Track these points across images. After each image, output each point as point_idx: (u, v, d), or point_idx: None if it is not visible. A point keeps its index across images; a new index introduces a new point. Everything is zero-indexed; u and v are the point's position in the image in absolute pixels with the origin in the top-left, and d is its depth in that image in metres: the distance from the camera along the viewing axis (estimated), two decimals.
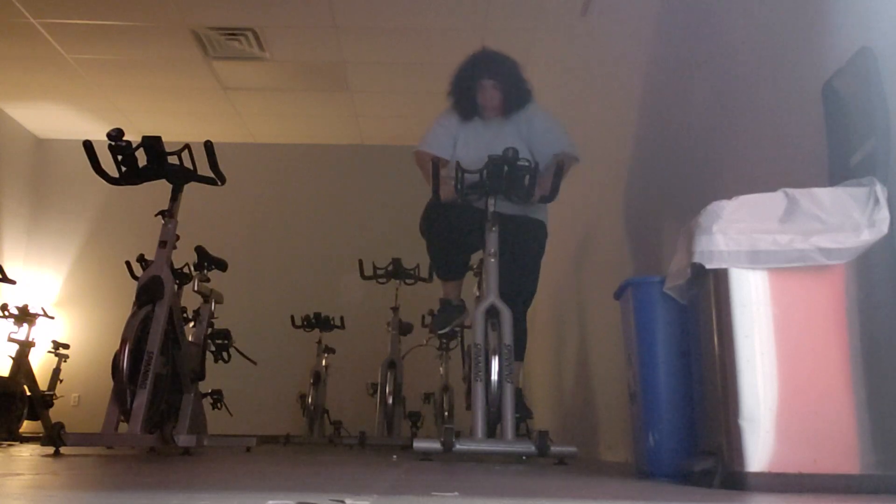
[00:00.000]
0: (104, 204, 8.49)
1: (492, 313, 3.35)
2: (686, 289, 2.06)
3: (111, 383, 3.32)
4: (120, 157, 3.59)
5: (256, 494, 1.46)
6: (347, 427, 6.75)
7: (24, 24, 6.28)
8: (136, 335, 3.34)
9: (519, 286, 3.70)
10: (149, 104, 7.98)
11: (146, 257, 4.26)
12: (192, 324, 4.50)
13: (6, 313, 6.80)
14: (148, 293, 3.53)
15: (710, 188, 2.69)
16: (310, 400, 6.64)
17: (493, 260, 3.41)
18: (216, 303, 4.55)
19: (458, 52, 3.98)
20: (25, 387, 6.61)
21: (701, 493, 1.68)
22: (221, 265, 4.47)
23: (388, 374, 6.17)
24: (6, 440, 5.91)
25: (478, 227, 3.54)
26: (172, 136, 4.43)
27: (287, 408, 7.54)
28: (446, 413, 6.71)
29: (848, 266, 1.70)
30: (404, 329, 6.45)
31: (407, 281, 6.50)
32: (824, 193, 1.73)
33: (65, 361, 7.53)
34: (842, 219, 1.69)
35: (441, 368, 6.97)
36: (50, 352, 7.46)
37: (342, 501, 1.28)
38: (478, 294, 4.83)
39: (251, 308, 7.71)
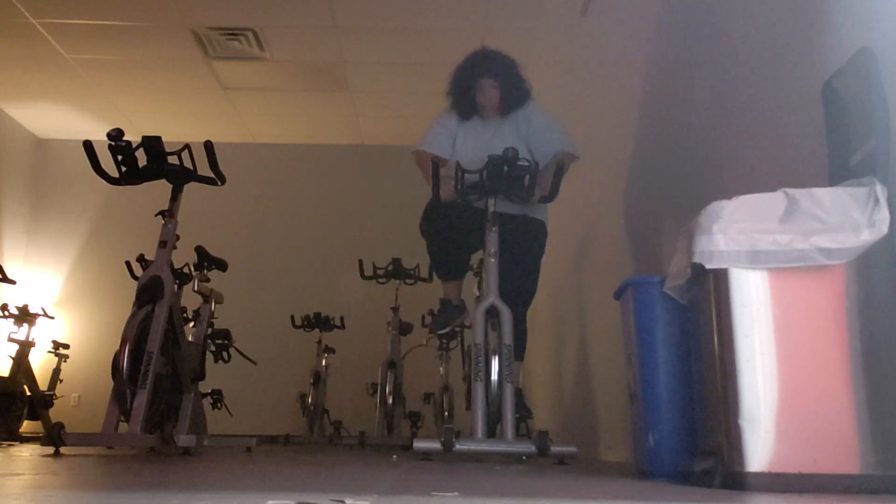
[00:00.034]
0: (104, 204, 8.49)
1: (492, 313, 3.35)
2: (686, 289, 2.06)
3: (111, 383, 3.32)
4: (120, 157, 3.59)
5: (256, 494, 1.46)
6: (347, 427, 6.75)
7: (24, 24, 6.28)
8: (136, 335, 3.34)
9: (519, 286, 3.70)
10: (149, 104, 7.98)
11: (146, 257, 4.26)
12: (192, 324, 4.50)
13: (6, 313, 6.80)
14: (148, 293, 3.53)
15: (710, 188, 2.69)
16: (310, 400, 6.64)
17: (493, 260, 3.41)
18: (216, 303, 4.55)
19: (458, 52, 3.98)
20: (25, 387, 6.61)
21: (701, 493, 1.68)
22: (221, 265, 4.47)
23: (388, 374, 6.17)
24: (6, 440, 5.91)
25: (478, 227, 3.54)
26: (172, 136, 4.43)
27: (287, 408, 7.54)
28: (446, 413, 6.71)
29: (848, 266, 1.70)
30: (404, 329, 6.46)
31: (407, 281, 6.50)
32: (824, 193, 1.73)
33: (65, 361, 7.53)
34: (842, 219, 1.69)
35: (441, 368, 6.97)
36: (50, 352, 7.46)
37: (342, 501, 1.28)
38: (478, 294, 4.83)
39: (251, 308, 7.72)
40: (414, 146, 3.95)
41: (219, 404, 5.61)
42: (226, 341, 5.07)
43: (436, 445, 3.07)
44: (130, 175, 3.66)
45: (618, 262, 3.92)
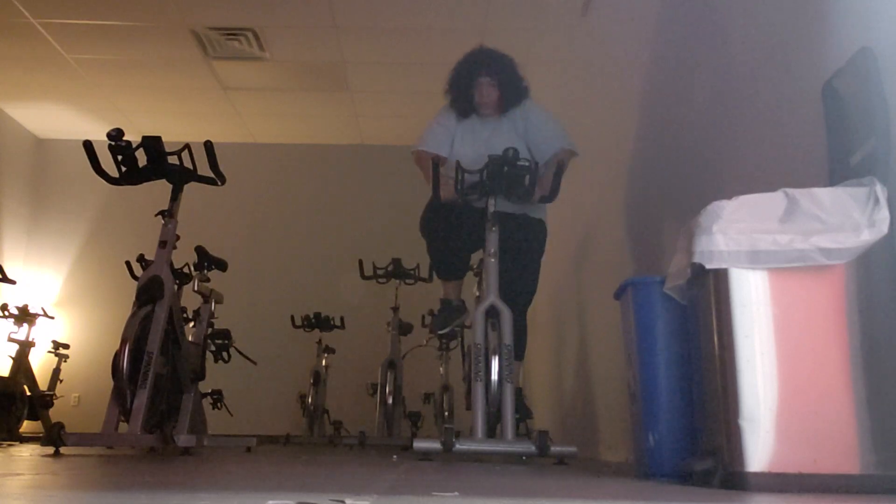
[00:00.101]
0: (104, 204, 8.48)
1: (492, 313, 3.35)
2: (686, 289, 2.07)
3: (111, 383, 3.32)
4: (120, 157, 3.59)
5: (256, 494, 1.46)
6: (347, 427, 6.75)
7: (24, 24, 6.28)
8: (136, 335, 3.34)
9: (519, 286, 3.70)
10: (149, 104, 7.98)
11: (146, 257, 4.26)
12: (192, 324, 4.50)
13: (6, 313, 6.80)
14: (148, 293, 3.53)
15: (710, 188, 2.69)
16: (310, 400, 6.63)
17: (493, 260, 3.41)
18: (216, 303, 4.55)
19: (458, 52, 3.98)
20: (25, 387, 6.61)
21: (701, 493, 1.68)
22: (221, 265, 4.47)
23: (388, 374, 6.17)
24: (6, 440, 5.91)
25: (478, 227, 3.54)
26: (172, 136, 4.42)
27: (287, 408, 7.54)
28: (446, 413, 6.71)
29: (848, 266, 1.70)
30: (404, 329, 6.45)
31: (407, 281, 6.50)
32: (824, 193, 1.73)
33: (65, 361, 7.53)
34: (842, 219, 1.69)
35: (441, 368, 6.97)
36: (50, 352, 7.46)
37: (342, 501, 1.28)
38: (478, 294, 4.83)
39: (251, 308, 7.71)
40: (414, 146, 3.95)
41: (219, 404, 5.61)
42: (226, 341, 5.07)
43: (436, 445, 3.07)
44: (130, 175, 3.66)
45: (618, 262, 3.92)
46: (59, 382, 7.35)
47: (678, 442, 2.17)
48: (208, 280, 4.46)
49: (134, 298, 3.55)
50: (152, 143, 3.60)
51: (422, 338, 6.65)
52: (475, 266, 4.75)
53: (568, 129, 3.92)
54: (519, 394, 3.54)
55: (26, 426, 6.58)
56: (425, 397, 7.23)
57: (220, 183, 3.69)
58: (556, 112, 4.17)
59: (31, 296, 7.79)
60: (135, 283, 3.67)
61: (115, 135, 3.50)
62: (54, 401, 7.03)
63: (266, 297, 8.19)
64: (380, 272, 6.51)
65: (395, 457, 3.58)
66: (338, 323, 6.93)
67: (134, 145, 3.59)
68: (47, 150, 8.76)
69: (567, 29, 5.44)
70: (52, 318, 7.39)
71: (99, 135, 4.02)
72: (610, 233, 4.20)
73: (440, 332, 4.43)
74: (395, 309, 6.48)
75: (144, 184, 3.76)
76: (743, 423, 1.68)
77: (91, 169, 3.63)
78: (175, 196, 3.77)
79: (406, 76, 7.18)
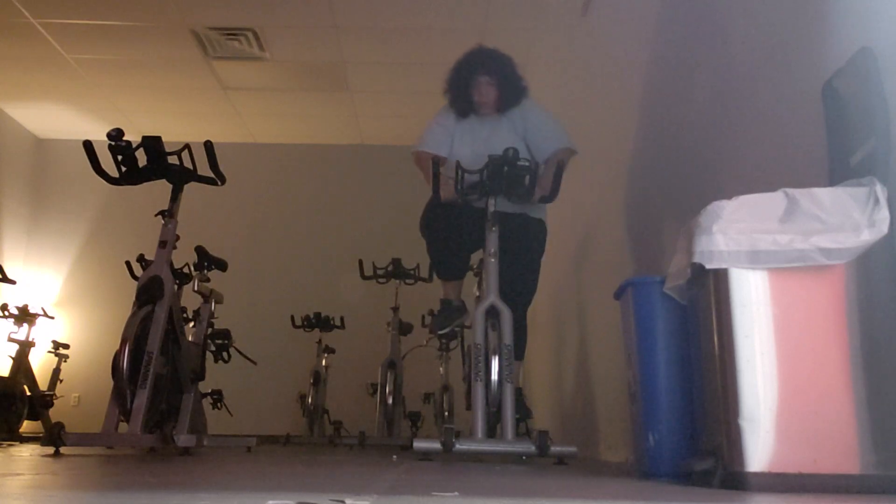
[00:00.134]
0: (104, 204, 8.48)
1: (492, 313, 3.35)
2: (686, 289, 2.07)
3: (111, 383, 3.32)
4: (120, 157, 3.59)
5: (256, 494, 1.46)
6: (347, 427, 6.75)
7: (24, 24, 6.28)
8: (136, 335, 3.34)
9: (519, 285, 3.70)
10: (149, 104, 7.98)
11: (146, 257, 4.26)
12: (192, 324, 4.50)
13: (6, 313, 6.80)
14: (148, 293, 3.53)
15: (710, 188, 2.69)
16: (310, 400, 6.63)
17: (493, 260, 3.41)
18: (216, 303, 4.55)
19: (458, 52, 3.98)
20: (25, 387, 6.61)
21: (701, 493, 1.68)
22: (221, 265, 4.47)
23: (388, 374, 6.17)
24: (6, 440, 5.91)
25: (478, 226, 3.54)
26: (172, 136, 4.43)
27: (287, 408, 7.54)
28: (446, 413, 6.71)
29: (848, 266, 1.70)
30: (404, 329, 6.45)
31: (407, 281, 6.50)
32: (824, 193, 1.73)
33: (65, 361, 7.53)
34: (842, 219, 1.69)
35: (441, 368, 6.97)
36: (50, 352, 7.46)
37: (342, 501, 1.28)
38: (478, 294, 4.83)
39: (251, 308, 7.71)
40: (413, 147, 3.96)
41: (219, 404, 5.60)
42: (226, 341, 5.07)
43: (436, 445, 3.07)
44: (130, 175, 3.66)
45: (618, 262, 3.92)
46: (59, 382, 7.36)
47: (678, 442, 2.17)
48: (208, 280, 4.46)
49: (134, 298, 3.55)
50: (152, 143, 3.60)
51: (422, 338, 6.65)
52: (475, 266, 4.75)
53: (568, 129, 3.92)
54: (519, 394, 3.54)
55: (26, 426, 6.58)
56: (425, 397, 7.23)
57: (220, 183, 3.69)
58: (556, 112, 4.17)
59: (31, 296, 7.80)
60: (135, 283, 3.67)
61: (115, 135, 3.50)
62: (54, 401, 7.03)
63: (266, 297, 8.19)
64: (380, 272, 6.51)
65: (395, 457, 3.58)
66: (338, 323, 6.93)
67: (134, 145, 3.59)
68: (47, 150, 8.77)
69: (567, 29, 5.44)
70: (52, 318, 7.39)
71: (99, 135, 4.02)
72: (610, 233, 4.20)
73: (440, 333, 4.43)
74: (395, 309, 6.48)
75: (144, 184, 3.76)
76: (743, 423, 1.68)
77: (91, 169, 3.63)
78: (175, 196, 3.77)
79: (406, 76, 7.18)
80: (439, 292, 3.92)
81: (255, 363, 5.28)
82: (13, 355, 6.67)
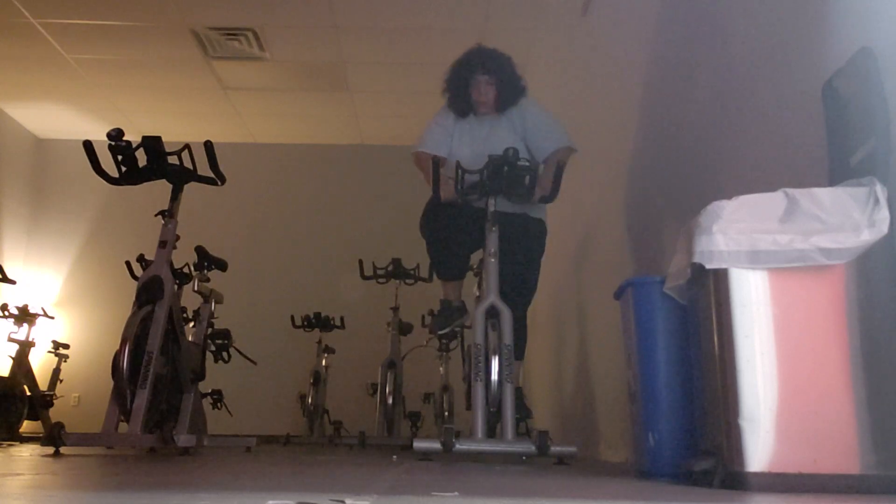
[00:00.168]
0: (104, 204, 8.48)
1: (492, 313, 3.34)
2: (686, 289, 2.07)
3: (111, 383, 3.32)
4: (120, 157, 3.59)
5: (256, 494, 1.46)
6: (347, 427, 6.75)
7: (24, 24, 6.28)
8: (136, 335, 3.34)
9: (519, 285, 3.70)
10: (149, 104, 7.98)
11: (146, 257, 4.26)
12: (192, 324, 4.50)
13: (6, 313, 6.80)
14: (148, 293, 3.53)
15: (710, 188, 2.69)
16: (310, 400, 6.63)
17: (493, 260, 3.41)
18: (216, 303, 4.55)
19: (458, 52, 3.98)
20: (25, 387, 6.61)
21: (701, 493, 1.69)
22: (221, 265, 4.47)
23: (388, 374, 6.17)
24: (6, 440, 5.91)
25: (478, 226, 3.54)
26: (172, 136, 4.42)
27: (287, 408, 7.54)
28: (446, 413, 6.71)
29: (848, 266, 1.70)
30: (404, 329, 6.45)
31: (407, 281, 6.50)
32: (824, 193, 1.73)
33: (65, 361, 7.53)
34: (842, 219, 1.69)
35: (441, 368, 6.97)
36: (50, 352, 7.46)
37: (342, 501, 1.28)
38: (478, 294, 4.83)
39: (251, 308, 7.71)
40: (413, 148, 3.95)
41: (219, 404, 5.61)
42: (226, 341, 5.07)
43: (436, 445, 3.07)
44: (130, 175, 3.66)
45: (618, 262, 3.92)
46: (59, 382, 7.36)
47: (678, 442, 2.17)
48: (208, 280, 4.46)
49: (134, 298, 3.55)
50: (152, 143, 3.60)
51: (422, 338, 6.65)
52: (475, 266, 4.75)
53: (568, 129, 3.92)
54: (519, 393, 3.54)
55: (26, 426, 6.58)
56: (425, 397, 7.23)
57: (220, 183, 3.69)
58: (556, 112, 4.17)
59: (31, 296, 7.80)
60: (135, 283, 3.67)
61: (115, 135, 3.50)
62: (54, 401, 7.03)
63: (266, 297, 8.19)
64: (380, 272, 6.51)
65: (395, 457, 3.58)
66: (338, 323, 6.93)
67: (134, 145, 3.59)
68: (47, 150, 8.77)
69: (567, 29, 5.44)
70: (52, 318, 7.39)
71: (99, 135, 4.02)
72: (610, 233, 4.20)
73: (440, 333, 4.43)
74: (395, 309, 6.48)
75: (144, 184, 3.76)
76: (743, 423, 1.68)
77: (91, 169, 3.63)
78: (175, 196, 3.77)
79: (406, 76, 7.18)
80: (439, 292, 3.92)
81: (255, 363, 5.28)
82: (13, 355, 6.67)
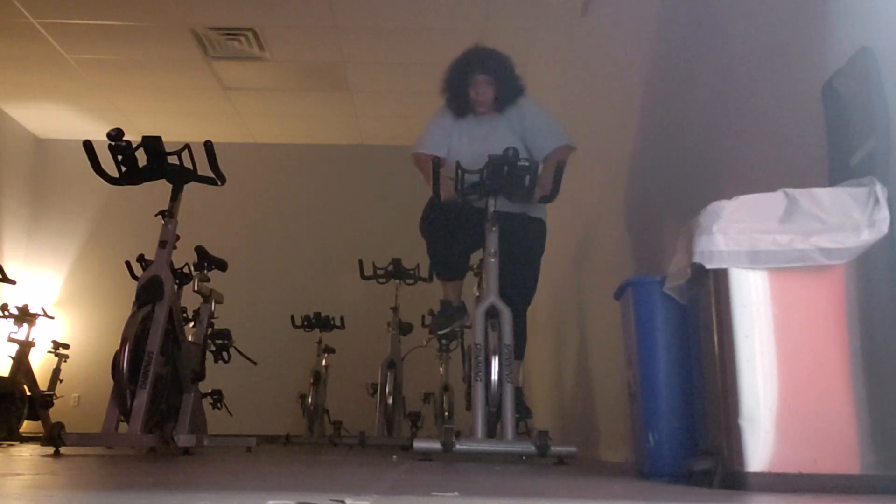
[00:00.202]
0: (104, 204, 8.48)
1: (492, 313, 3.35)
2: (686, 289, 2.06)
3: (111, 383, 3.32)
4: (120, 157, 3.59)
5: (256, 494, 1.46)
6: (347, 427, 6.75)
7: (24, 24, 6.28)
8: (136, 335, 3.34)
9: (519, 285, 3.70)
10: (149, 104, 7.98)
11: (146, 257, 4.26)
12: (192, 324, 4.50)
13: (6, 313, 6.79)
14: (148, 293, 3.53)
15: (710, 188, 2.69)
16: (310, 400, 6.63)
17: (493, 260, 3.41)
18: (216, 303, 4.55)
19: (458, 52, 3.98)
20: (25, 387, 6.61)
21: (701, 493, 1.69)
22: (221, 265, 4.47)
23: (388, 374, 6.17)
24: (6, 440, 5.91)
25: (478, 226, 3.54)
26: (172, 136, 4.42)
27: (287, 408, 7.54)
28: (446, 413, 6.71)
29: (848, 266, 1.70)
30: (404, 329, 6.45)
31: (407, 281, 6.50)
32: (824, 193, 1.73)
33: (65, 361, 7.53)
34: (842, 219, 1.69)
35: (441, 368, 6.97)
36: (50, 352, 7.46)
37: (342, 501, 1.28)
38: (478, 294, 4.83)
39: (251, 308, 7.71)
40: (412, 149, 3.95)
41: (219, 404, 5.60)
42: (226, 341, 5.06)
43: (436, 445, 3.07)
44: (130, 175, 3.66)
45: (618, 262, 3.92)
46: (59, 382, 7.36)
47: (678, 442, 2.17)
48: (208, 280, 4.46)
49: (134, 298, 3.55)
50: (152, 143, 3.60)
51: (422, 338, 6.65)
52: (475, 266, 4.75)
53: (568, 129, 3.92)
54: (519, 393, 3.54)
55: (26, 426, 6.58)
56: (425, 397, 7.23)
57: (220, 183, 3.69)
58: (556, 112, 4.17)
59: (31, 296, 7.80)
60: (135, 283, 3.67)
61: (115, 135, 3.50)
62: (54, 401, 7.03)
63: (266, 297, 8.19)
64: (380, 272, 6.51)
65: (395, 457, 3.58)
66: (338, 323, 6.93)
67: (134, 145, 3.59)
68: (47, 150, 8.77)
69: (567, 29, 5.44)
70: (52, 318, 7.39)
71: (99, 135, 4.02)
72: (610, 233, 4.20)
73: (440, 334, 4.43)
74: (395, 309, 6.48)
75: (144, 184, 3.76)
76: (743, 423, 1.68)
77: (91, 169, 3.63)
78: (175, 196, 3.77)
79: (406, 76, 7.18)
80: (439, 292, 3.92)
81: (255, 363, 5.28)
82: (13, 355, 6.67)
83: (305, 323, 6.90)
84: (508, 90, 3.81)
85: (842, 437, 1.64)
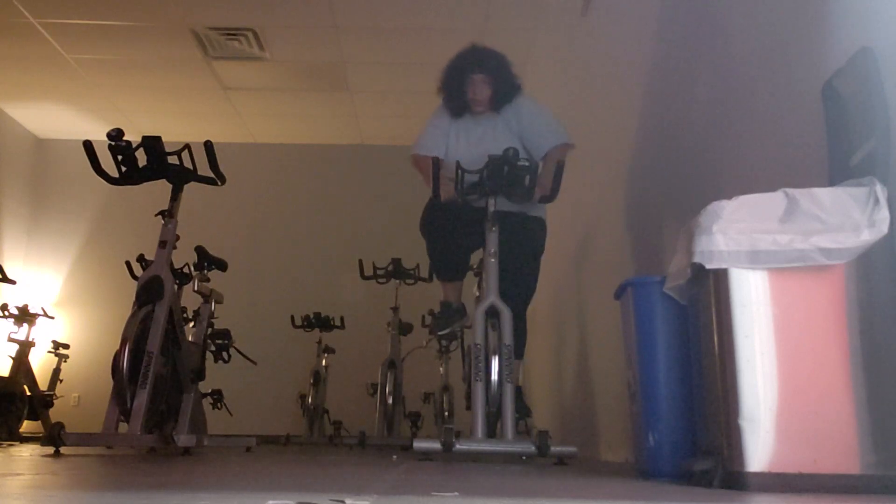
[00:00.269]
0: (104, 204, 8.48)
1: (491, 313, 3.34)
2: (686, 289, 2.06)
3: (111, 383, 3.32)
4: (120, 157, 3.59)
5: (256, 494, 1.46)
6: (347, 427, 6.75)
7: (24, 24, 6.28)
8: (136, 335, 3.34)
9: (519, 285, 3.69)
10: (149, 104, 7.98)
11: (146, 257, 4.26)
12: (192, 324, 4.50)
13: (6, 313, 6.80)
14: (148, 293, 3.52)
15: (710, 188, 2.69)
16: (310, 400, 6.63)
17: (493, 260, 3.41)
18: (216, 303, 4.55)
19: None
20: (25, 387, 6.61)
21: (701, 493, 1.68)
22: (221, 265, 4.47)
23: (388, 374, 6.17)
24: (6, 440, 5.91)
25: (477, 226, 3.54)
26: (172, 136, 4.42)
27: (287, 408, 7.54)
28: (446, 413, 6.71)
29: (848, 266, 1.70)
30: (404, 329, 6.45)
31: (407, 281, 6.50)
32: (824, 193, 1.73)
33: (65, 361, 7.53)
34: (842, 219, 1.69)
35: (441, 369, 6.97)
36: (50, 352, 7.46)
37: (342, 501, 1.28)
38: (478, 294, 4.83)
39: (251, 308, 7.71)
40: (411, 150, 3.95)
41: (219, 404, 5.60)
42: (226, 341, 5.06)
43: (436, 445, 3.07)
44: (130, 175, 3.66)
45: (618, 262, 3.92)
46: (59, 382, 7.36)
47: (678, 442, 2.17)
48: (208, 280, 4.46)
49: (134, 298, 3.55)
50: (152, 143, 3.60)
51: (422, 338, 6.65)
52: (475, 266, 4.75)
53: (568, 129, 3.92)
54: (519, 392, 3.54)
55: (26, 426, 6.58)
56: (425, 397, 7.23)
57: (220, 183, 3.69)
58: (556, 112, 4.17)
59: (31, 296, 7.80)
60: (135, 283, 3.67)
61: (115, 135, 3.50)
62: (54, 401, 7.03)
63: (266, 297, 8.19)
64: (380, 272, 6.51)
65: (395, 457, 3.58)
66: (338, 323, 6.93)
67: (134, 145, 3.59)
68: (47, 150, 8.77)
69: (567, 29, 5.44)
70: (52, 318, 7.39)
71: (99, 135, 4.02)
72: (610, 233, 4.20)
73: (440, 334, 4.43)
74: (395, 309, 6.48)
75: (144, 184, 3.76)
76: (743, 423, 1.68)
77: (91, 169, 3.63)
78: (175, 196, 3.77)
79: (406, 76, 7.18)
80: (439, 292, 3.92)
81: (255, 363, 5.28)
82: (13, 355, 6.67)
83: (305, 323, 6.90)
84: (505, 89, 3.80)
85: (842, 437, 1.64)
